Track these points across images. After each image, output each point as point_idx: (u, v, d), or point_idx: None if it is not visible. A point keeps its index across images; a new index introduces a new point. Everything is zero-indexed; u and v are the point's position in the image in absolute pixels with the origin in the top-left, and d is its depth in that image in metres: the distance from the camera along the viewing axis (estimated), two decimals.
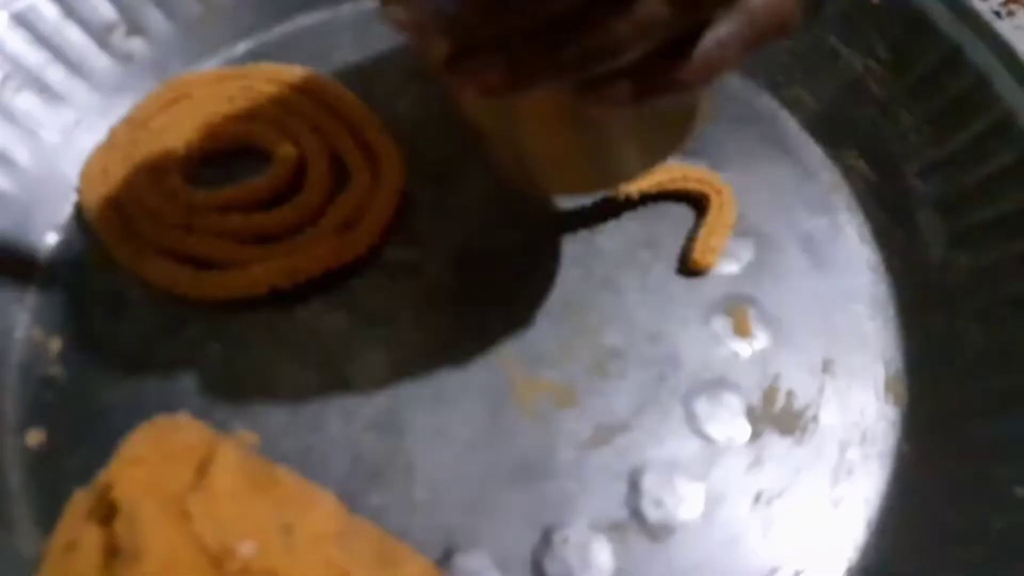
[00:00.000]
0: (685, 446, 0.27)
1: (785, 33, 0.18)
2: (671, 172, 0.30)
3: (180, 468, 0.19)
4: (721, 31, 0.17)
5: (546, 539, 0.25)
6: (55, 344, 0.29)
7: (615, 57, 0.16)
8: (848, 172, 0.32)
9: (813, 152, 0.33)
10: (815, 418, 0.27)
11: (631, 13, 0.15)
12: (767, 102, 0.34)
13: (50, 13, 0.32)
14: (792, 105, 0.34)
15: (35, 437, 0.27)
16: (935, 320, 0.28)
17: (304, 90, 0.33)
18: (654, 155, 0.24)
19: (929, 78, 0.30)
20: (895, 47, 0.31)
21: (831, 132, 0.33)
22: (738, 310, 0.29)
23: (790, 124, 0.33)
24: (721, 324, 0.29)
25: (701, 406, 0.27)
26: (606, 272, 0.30)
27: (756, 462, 0.26)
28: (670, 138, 0.24)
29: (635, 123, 0.22)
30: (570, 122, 0.21)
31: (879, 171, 0.31)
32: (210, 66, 0.35)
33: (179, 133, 0.32)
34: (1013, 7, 0.37)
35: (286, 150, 0.31)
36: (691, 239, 0.30)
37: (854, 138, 0.32)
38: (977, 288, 0.28)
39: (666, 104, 0.18)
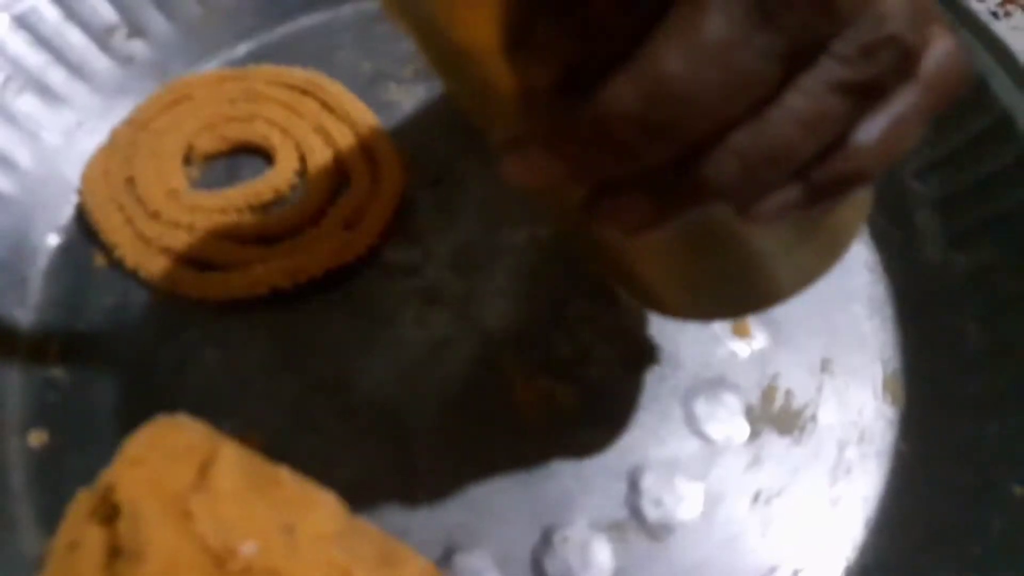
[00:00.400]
0: (684, 446, 0.27)
1: (959, 94, 0.15)
2: None
3: (182, 468, 0.19)
4: (898, 106, 0.14)
5: (546, 538, 0.25)
6: (57, 345, 0.29)
7: (783, 167, 0.13)
8: None
9: None
10: (813, 417, 0.27)
11: (798, 113, 0.13)
12: None
13: (51, 15, 0.32)
14: None
15: (37, 437, 0.27)
16: (933, 320, 0.28)
17: (305, 91, 0.33)
18: (812, 268, 0.20)
19: None
20: None
21: None
22: None
23: None
24: (720, 324, 0.29)
25: (700, 406, 0.27)
26: None
27: (755, 461, 0.27)
28: (831, 246, 0.19)
29: (792, 233, 0.18)
30: (713, 241, 0.18)
31: None
32: (211, 67, 0.35)
33: (180, 134, 0.32)
34: (1010, 8, 0.37)
35: (287, 151, 0.32)
36: None
37: None
38: (975, 288, 0.28)
39: (835, 204, 0.15)
